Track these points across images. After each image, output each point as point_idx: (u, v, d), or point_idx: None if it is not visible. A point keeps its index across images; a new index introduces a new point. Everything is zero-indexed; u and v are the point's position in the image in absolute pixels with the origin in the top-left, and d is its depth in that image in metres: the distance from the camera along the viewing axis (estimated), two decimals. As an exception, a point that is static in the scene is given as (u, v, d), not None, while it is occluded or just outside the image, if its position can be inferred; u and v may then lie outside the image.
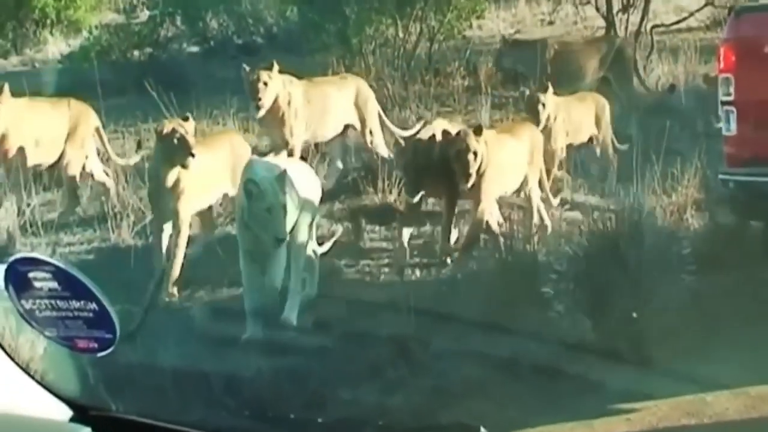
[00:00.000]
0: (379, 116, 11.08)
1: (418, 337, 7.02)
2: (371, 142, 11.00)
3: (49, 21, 19.21)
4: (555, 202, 9.57)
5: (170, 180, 8.38)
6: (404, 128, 10.72)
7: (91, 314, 2.34)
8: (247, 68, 10.36)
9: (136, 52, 16.88)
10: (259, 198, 7.22)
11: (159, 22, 18.19)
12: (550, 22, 19.07)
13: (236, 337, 7.23)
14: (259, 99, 10.11)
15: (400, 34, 15.50)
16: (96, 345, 2.36)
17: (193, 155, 8.28)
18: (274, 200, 7.25)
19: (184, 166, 8.32)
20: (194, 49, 18.28)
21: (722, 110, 7.02)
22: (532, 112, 9.83)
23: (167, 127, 8.41)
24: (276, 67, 10.29)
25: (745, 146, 6.85)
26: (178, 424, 2.36)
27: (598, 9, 15.93)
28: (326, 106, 10.84)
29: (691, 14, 16.78)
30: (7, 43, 18.66)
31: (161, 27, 18.13)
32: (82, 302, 2.34)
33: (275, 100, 10.27)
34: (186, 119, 8.60)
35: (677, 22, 16.70)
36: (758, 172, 6.57)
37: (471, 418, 5.19)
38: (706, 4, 16.70)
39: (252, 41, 18.33)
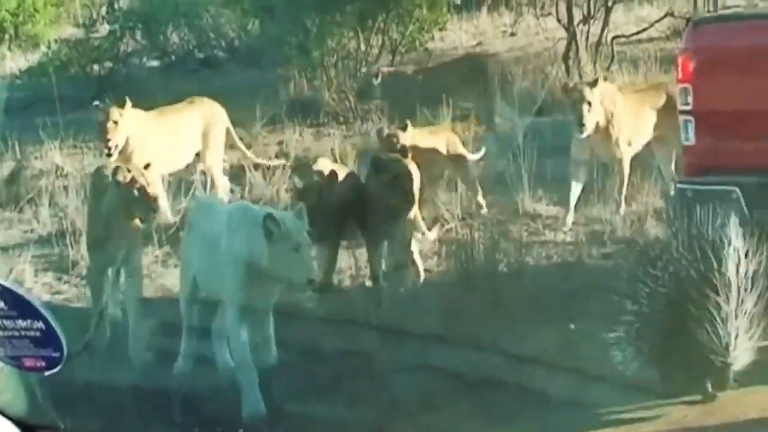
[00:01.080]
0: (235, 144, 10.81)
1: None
2: (210, 178, 10.56)
3: (6, 36, 19.12)
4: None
5: (125, 232, 7.42)
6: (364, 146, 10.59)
7: (37, 333, 2.32)
8: (99, 104, 9.84)
9: (95, 67, 16.80)
10: (284, 238, 6.33)
11: (119, 36, 18.06)
12: (512, 34, 19.12)
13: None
14: (108, 140, 9.30)
15: (362, 47, 15.53)
16: (43, 363, 2.34)
17: (155, 210, 7.47)
18: (300, 238, 6.41)
19: (143, 222, 7.44)
20: (155, 63, 18.21)
21: (681, 120, 7.05)
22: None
23: (125, 176, 7.25)
24: (128, 103, 9.73)
25: (702, 156, 6.88)
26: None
27: (559, 20, 15.93)
28: (176, 135, 10.43)
29: (651, 25, 16.83)
30: (-38, 59, 18.57)
31: (121, 41, 18.01)
32: (28, 321, 2.32)
33: (126, 140, 9.64)
34: (147, 166, 7.59)
35: (637, 33, 16.75)
36: (714, 181, 6.60)
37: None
38: (666, 15, 16.80)
39: (213, 55, 18.30)
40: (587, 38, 15.41)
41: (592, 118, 9.20)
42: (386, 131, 9.61)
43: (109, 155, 9.24)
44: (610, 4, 15.74)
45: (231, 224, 6.68)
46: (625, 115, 9.46)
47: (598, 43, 15.29)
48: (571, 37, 15.21)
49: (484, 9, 19.86)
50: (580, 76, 13.79)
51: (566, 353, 6.56)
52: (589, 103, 9.14)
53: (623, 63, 14.73)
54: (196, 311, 7.06)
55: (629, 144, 9.47)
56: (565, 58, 15.01)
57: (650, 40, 16.38)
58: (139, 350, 7.23)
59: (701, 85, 6.91)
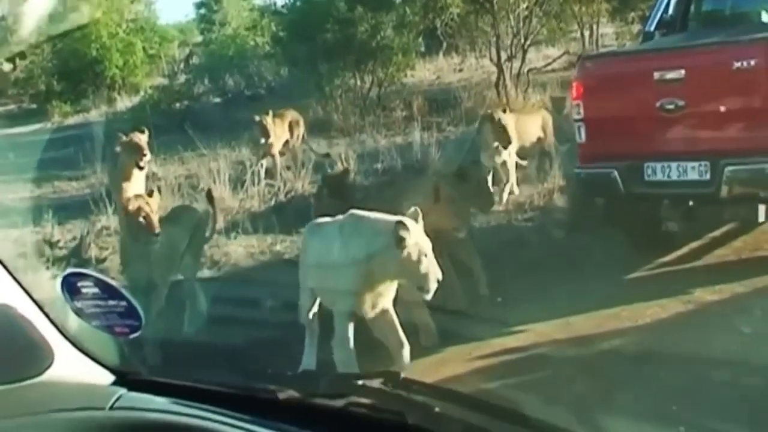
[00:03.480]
0: None
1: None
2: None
3: (116, 85, 19.03)
4: None
5: (139, 255, 5.94)
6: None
7: (122, 309, 2.26)
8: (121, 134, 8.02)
9: (177, 104, 16.72)
10: (415, 244, 4.77)
11: (193, 82, 18.28)
12: (461, 70, 19.07)
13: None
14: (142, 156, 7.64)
15: (359, 83, 15.58)
16: (128, 330, 2.28)
17: (157, 235, 5.81)
18: (426, 243, 4.84)
19: (147, 245, 5.84)
20: (217, 99, 18.17)
21: (576, 126, 7.00)
22: None
23: (132, 204, 5.89)
24: None
25: (590, 149, 6.84)
26: (202, 383, 2.24)
27: (491, 59, 15.89)
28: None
29: (554, 60, 16.79)
30: (88, 102, 18.43)
31: (194, 86, 18.09)
32: (115, 300, 2.26)
33: None
34: (151, 194, 6.10)
35: (545, 66, 16.71)
36: (599, 166, 6.62)
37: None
38: (563, 53, 16.80)
39: (257, 93, 18.21)
40: (511, 71, 15.35)
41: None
42: None
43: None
44: (526, 47, 15.67)
45: (344, 234, 5.10)
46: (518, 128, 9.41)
47: (519, 74, 15.24)
48: (500, 71, 15.15)
49: (441, 54, 19.79)
50: (507, 98, 13.78)
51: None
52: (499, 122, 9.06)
53: (536, 87, 14.71)
54: (316, 324, 5.48)
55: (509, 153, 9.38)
56: (497, 85, 14.96)
57: (554, 71, 16.31)
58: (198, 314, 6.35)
59: (588, 102, 6.87)
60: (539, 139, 9.60)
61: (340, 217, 5.27)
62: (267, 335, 5.64)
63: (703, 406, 4.18)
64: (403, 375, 2.04)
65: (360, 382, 2.01)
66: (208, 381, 2.20)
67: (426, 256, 4.75)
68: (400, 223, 4.75)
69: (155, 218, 5.87)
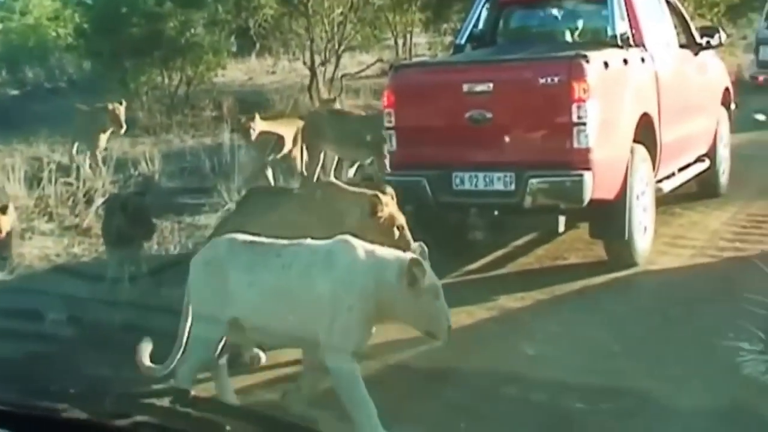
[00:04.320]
0: None
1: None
2: None
3: None
4: None
5: None
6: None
7: None
8: None
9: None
10: (430, 286, 3.98)
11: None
12: (273, 72, 19.00)
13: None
14: None
15: (166, 80, 15.25)
16: None
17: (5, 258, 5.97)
18: (438, 284, 4.06)
19: None
20: (15, 92, 17.34)
21: (386, 133, 7.05)
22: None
23: None
24: None
25: (401, 157, 6.91)
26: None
27: (305, 63, 15.90)
28: None
29: (368, 66, 17.01)
30: None
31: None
32: None
33: None
34: (5, 209, 6.62)
35: (359, 72, 16.89)
36: (409, 174, 6.71)
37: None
38: (377, 61, 17.06)
39: (58, 86, 17.51)
40: (325, 75, 15.42)
41: (255, 136, 9.48)
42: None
43: None
44: (339, 52, 15.77)
45: (331, 262, 4.08)
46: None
47: (332, 79, 15.33)
48: (313, 75, 15.20)
49: (254, 54, 19.66)
50: (320, 101, 13.79)
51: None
52: (253, 129, 9.42)
53: (349, 92, 14.82)
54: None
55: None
56: (309, 89, 14.99)
57: (367, 77, 16.50)
58: None
59: (399, 110, 6.92)
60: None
61: (318, 241, 4.26)
62: (49, 348, 5.15)
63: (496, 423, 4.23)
64: (193, 393, 1.95)
65: (148, 401, 1.91)
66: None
67: (438, 299, 3.99)
68: (416, 261, 3.96)
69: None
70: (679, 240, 7.44)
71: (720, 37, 8.93)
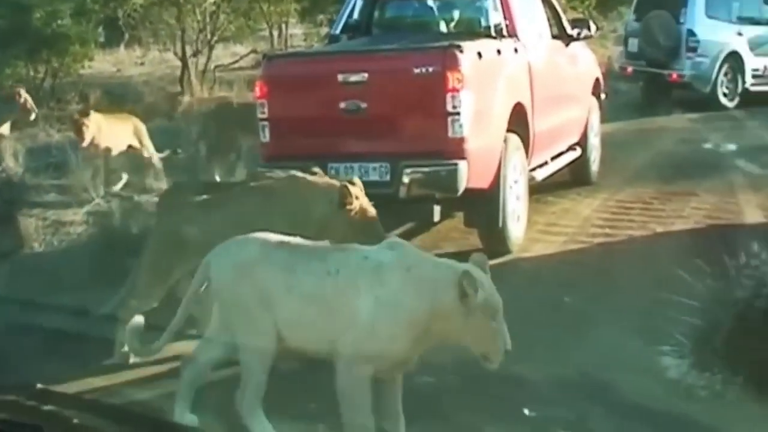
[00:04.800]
0: None
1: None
2: None
3: None
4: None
5: None
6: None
7: None
8: None
9: None
10: (484, 304, 3.57)
11: None
12: (142, 63, 18.65)
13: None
14: None
15: (31, 72, 14.81)
16: None
17: None
18: (498, 303, 3.63)
19: None
20: None
21: (260, 125, 7.01)
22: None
23: None
24: None
25: (274, 149, 6.88)
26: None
27: (176, 54, 15.67)
28: None
29: (242, 57, 16.88)
30: None
31: None
32: None
33: None
34: None
35: (232, 63, 16.74)
36: (282, 165, 6.63)
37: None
38: (251, 51, 16.94)
39: None
40: (197, 67, 15.23)
41: (89, 134, 9.06)
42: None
43: None
44: (212, 43, 15.60)
45: (381, 277, 3.70)
46: (106, 131, 9.28)
47: (205, 70, 15.15)
48: (185, 66, 14.99)
49: (122, 45, 19.26)
50: (191, 93, 13.64)
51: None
52: (87, 125, 9.03)
53: (222, 84, 14.67)
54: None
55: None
56: (181, 80, 14.79)
57: (241, 69, 16.36)
58: None
59: (272, 101, 6.89)
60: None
61: (367, 247, 3.93)
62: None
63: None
64: (39, 386, 1.93)
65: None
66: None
67: (494, 319, 3.60)
68: (466, 274, 3.58)
69: None
70: (551, 227, 7.66)
71: (590, 29, 9.23)
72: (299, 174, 5.26)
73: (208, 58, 15.47)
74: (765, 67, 14.57)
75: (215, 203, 5.16)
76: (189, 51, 15.23)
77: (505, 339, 3.58)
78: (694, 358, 4.45)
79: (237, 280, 3.90)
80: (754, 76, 14.47)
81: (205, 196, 5.27)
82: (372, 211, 5.00)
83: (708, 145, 10.97)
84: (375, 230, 4.88)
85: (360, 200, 4.95)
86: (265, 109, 6.93)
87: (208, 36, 15.37)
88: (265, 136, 6.97)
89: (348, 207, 4.87)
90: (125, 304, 5.04)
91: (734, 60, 14.27)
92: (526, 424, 4.13)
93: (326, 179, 5.30)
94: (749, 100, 14.02)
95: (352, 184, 5.02)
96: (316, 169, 5.48)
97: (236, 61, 16.78)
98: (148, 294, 5.04)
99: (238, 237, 4.09)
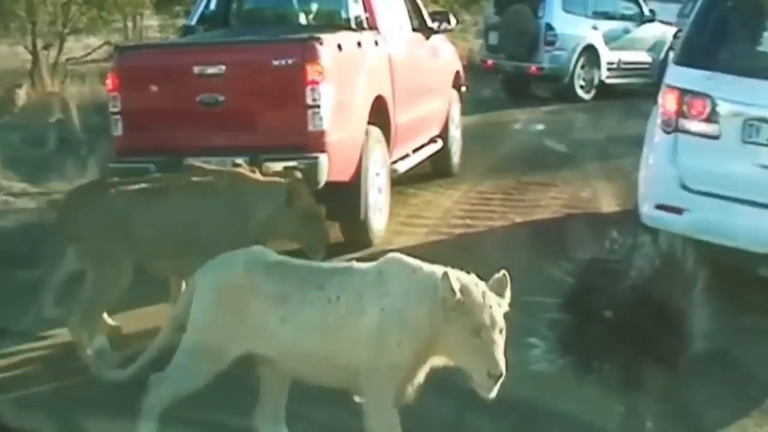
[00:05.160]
0: None
1: None
2: None
3: None
4: None
5: None
6: None
7: None
8: None
9: None
10: (460, 313, 3.30)
11: None
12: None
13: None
14: None
15: None
16: None
17: None
18: (483, 317, 3.29)
19: None
20: None
21: (112, 118, 6.83)
22: None
23: None
24: None
25: (127, 143, 6.72)
26: None
27: (26, 47, 15.15)
28: None
29: (94, 50, 16.47)
30: None
31: None
32: None
33: None
34: None
35: (85, 56, 16.31)
36: (136, 160, 6.51)
37: None
38: (104, 43, 16.57)
39: None
40: (48, 60, 14.77)
41: None
42: None
43: None
44: (64, 35, 15.15)
45: (383, 288, 3.49)
46: None
47: (56, 63, 14.70)
48: (36, 59, 14.52)
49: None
50: (43, 87, 13.28)
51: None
52: None
53: (75, 78, 14.29)
54: None
55: None
56: (31, 74, 14.30)
57: (94, 61, 15.93)
58: None
59: (125, 94, 6.73)
60: None
61: (365, 264, 3.68)
62: None
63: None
64: None
65: None
66: None
67: (479, 336, 3.29)
68: (444, 276, 3.37)
69: None
70: (413, 219, 7.75)
71: (450, 22, 9.37)
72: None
73: (59, 51, 14.99)
74: (619, 60, 15.15)
75: (155, 194, 5.03)
76: (40, 44, 14.73)
77: (493, 362, 3.25)
78: (548, 345, 4.56)
79: (214, 303, 3.66)
80: (609, 69, 15.02)
81: (143, 185, 5.15)
82: (317, 208, 5.07)
83: (566, 137, 11.31)
84: (320, 227, 4.95)
85: (307, 198, 4.97)
86: (117, 103, 6.77)
87: (60, 28, 14.89)
88: (118, 130, 6.80)
89: (296, 205, 4.87)
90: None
91: (590, 53, 14.78)
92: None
93: (272, 178, 5.25)
94: (605, 92, 14.57)
95: (296, 180, 5.01)
96: (240, 161, 5.52)
97: (88, 54, 16.31)
98: (111, 296, 4.88)
99: (224, 255, 3.82)
